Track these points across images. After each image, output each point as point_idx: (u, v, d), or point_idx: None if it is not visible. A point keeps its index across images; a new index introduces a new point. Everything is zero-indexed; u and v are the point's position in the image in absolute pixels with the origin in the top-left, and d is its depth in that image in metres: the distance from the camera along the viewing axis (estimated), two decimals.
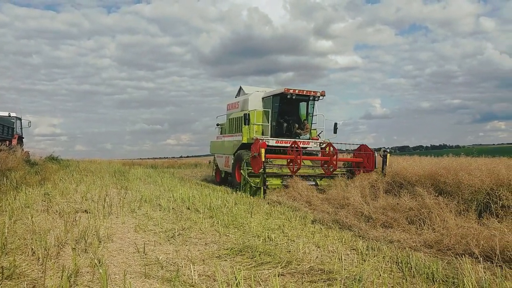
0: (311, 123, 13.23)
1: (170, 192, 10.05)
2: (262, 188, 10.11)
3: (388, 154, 11.00)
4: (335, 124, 13.43)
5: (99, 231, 5.27)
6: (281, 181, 11.07)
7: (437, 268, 3.99)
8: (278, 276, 3.71)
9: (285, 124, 12.87)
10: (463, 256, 4.47)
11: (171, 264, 4.11)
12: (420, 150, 76.86)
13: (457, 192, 7.11)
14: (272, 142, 11.94)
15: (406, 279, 3.81)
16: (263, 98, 13.41)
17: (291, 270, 3.93)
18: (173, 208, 7.66)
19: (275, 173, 11.24)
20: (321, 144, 12.77)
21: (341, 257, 4.45)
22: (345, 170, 11.97)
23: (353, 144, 12.61)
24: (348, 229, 6.26)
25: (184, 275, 3.74)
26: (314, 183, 11.00)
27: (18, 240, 4.67)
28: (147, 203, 8.34)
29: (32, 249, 4.27)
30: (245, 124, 12.44)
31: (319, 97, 12.52)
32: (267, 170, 10.41)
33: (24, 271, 3.67)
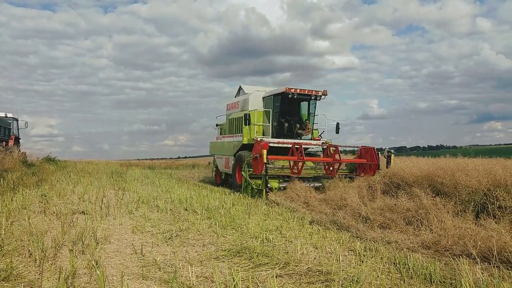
0: (313, 123, 13.04)
1: (168, 193, 10.03)
2: (264, 190, 9.91)
3: (393, 155, 10.97)
4: (337, 124, 13.27)
5: (96, 233, 5.25)
6: (278, 182, 10.74)
7: (434, 269, 3.99)
8: (276, 277, 3.71)
9: (286, 124, 12.66)
10: (460, 257, 4.48)
11: (169, 266, 4.10)
12: (417, 151, 77.17)
13: (454, 193, 7.13)
14: (273, 142, 11.70)
15: (404, 280, 3.81)
16: (263, 98, 13.23)
17: (289, 271, 3.93)
18: (170, 209, 7.64)
19: (277, 174, 10.96)
20: (323, 144, 12.55)
21: (339, 258, 4.45)
22: (348, 172, 11.71)
23: (354, 147, 12.49)
24: (346, 230, 6.27)
25: (181, 277, 3.73)
26: (320, 184, 10.63)
27: (15, 242, 4.65)
28: (144, 204, 8.32)
29: (29, 250, 4.26)
30: (245, 125, 12.25)
31: (320, 96, 12.33)
32: (269, 172, 10.19)
33: (21, 273, 3.65)
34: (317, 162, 12.08)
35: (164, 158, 48.43)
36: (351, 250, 4.99)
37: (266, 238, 5.35)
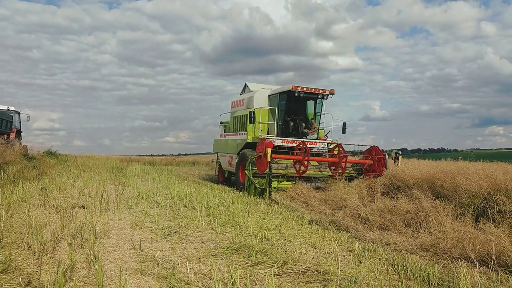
0: (319, 123, 12.81)
1: (168, 190, 10.04)
2: (268, 189, 9.76)
3: (400, 157, 10.90)
4: (344, 124, 13.04)
5: (95, 227, 5.26)
6: (277, 183, 10.63)
7: (433, 272, 3.99)
8: (274, 276, 3.71)
9: (291, 123, 12.43)
10: (459, 260, 4.47)
11: (167, 262, 4.10)
12: (419, 153, 77.02)
13: (454, 196, 7.12)
14: (278, 141, 11.58)
15: (402, 282, 3.81)
16: (269, 96, 13.00)
17: (287, 270, 3.93)
18: (170, 206, 7.65)
19: (281, 173, 10.81)
20: (329, 144, 12.37)
21: (337, 258, 4.45)
22: (354, 172, 11.42)
23: (362, 145, 12.19)
24: (344, 231, 6.26)
25: (180, 273, 3.73)
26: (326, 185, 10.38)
27: (14, 234, 4.67)
28: (144, 200, 8.33)
29: (28, 243, 4.26)
30: (250, 122, 12.02)
31: (327, 95, 12.07)
32: (272, 171, 10.01)
33: (19, 265, 3.66)
34: (322, 163, 11.80)
35: (165, 155, 48.51)
36: (350, 251, 4.99)
37: (265, 237, 5.35)
